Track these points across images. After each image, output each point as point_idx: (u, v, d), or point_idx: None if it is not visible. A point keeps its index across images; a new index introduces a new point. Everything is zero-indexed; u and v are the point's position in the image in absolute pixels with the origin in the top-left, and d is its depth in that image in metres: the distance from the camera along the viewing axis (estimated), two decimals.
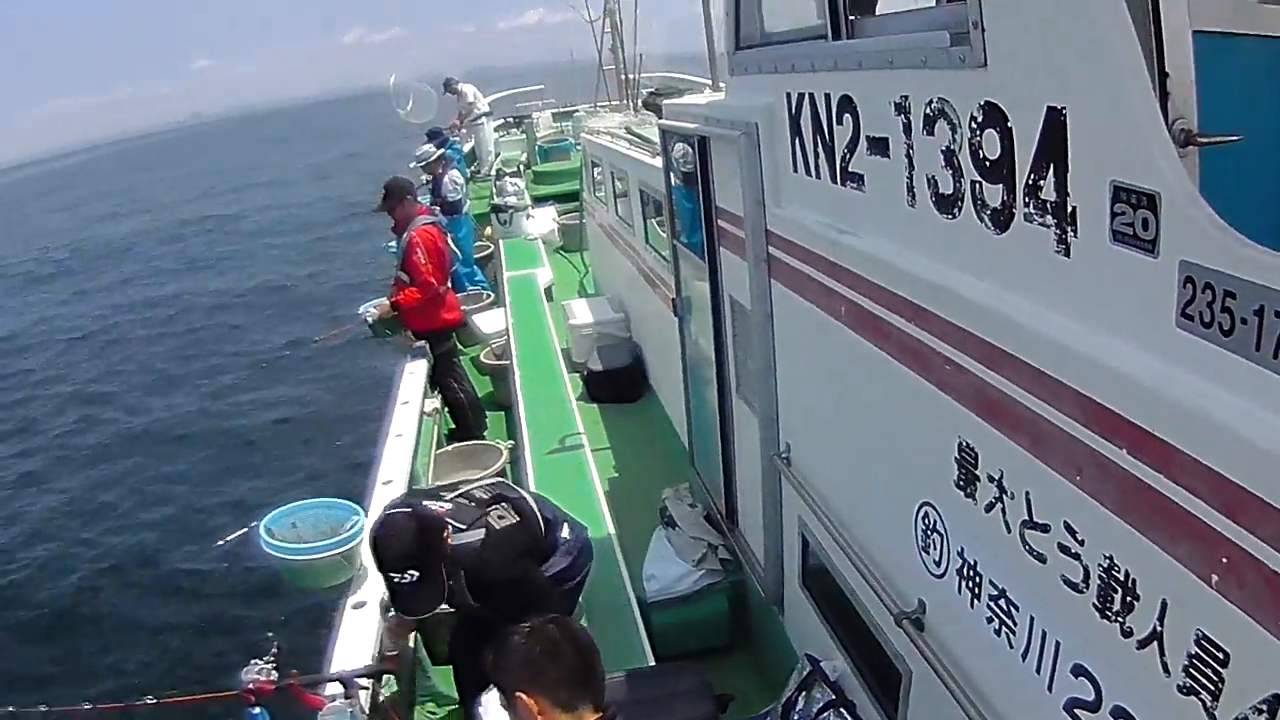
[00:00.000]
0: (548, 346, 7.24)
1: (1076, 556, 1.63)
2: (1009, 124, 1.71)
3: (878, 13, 2.62)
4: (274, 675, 3.09)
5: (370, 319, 7.02)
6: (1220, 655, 1.28)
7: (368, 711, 3.25)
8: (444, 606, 3.31)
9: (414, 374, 6.58)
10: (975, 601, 2.08)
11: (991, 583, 2.00)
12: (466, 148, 15.92)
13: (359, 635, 3.58)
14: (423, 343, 7.08)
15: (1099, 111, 1.47)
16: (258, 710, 3.10)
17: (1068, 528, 1.65)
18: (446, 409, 7.12)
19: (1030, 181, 1.66)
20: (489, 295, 9.85)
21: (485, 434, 7.23)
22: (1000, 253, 1.82)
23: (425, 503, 3.32)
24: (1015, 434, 1.79)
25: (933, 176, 2.04)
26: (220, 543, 4.52)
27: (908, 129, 2.12)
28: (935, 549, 2.26)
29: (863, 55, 2.34)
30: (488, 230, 12.28)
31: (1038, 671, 1.81)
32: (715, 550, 4.50)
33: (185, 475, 10.93)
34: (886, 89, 2.18)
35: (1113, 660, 1.56)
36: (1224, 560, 1.25)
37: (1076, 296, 1.59)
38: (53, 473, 11.79)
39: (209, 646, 7.31)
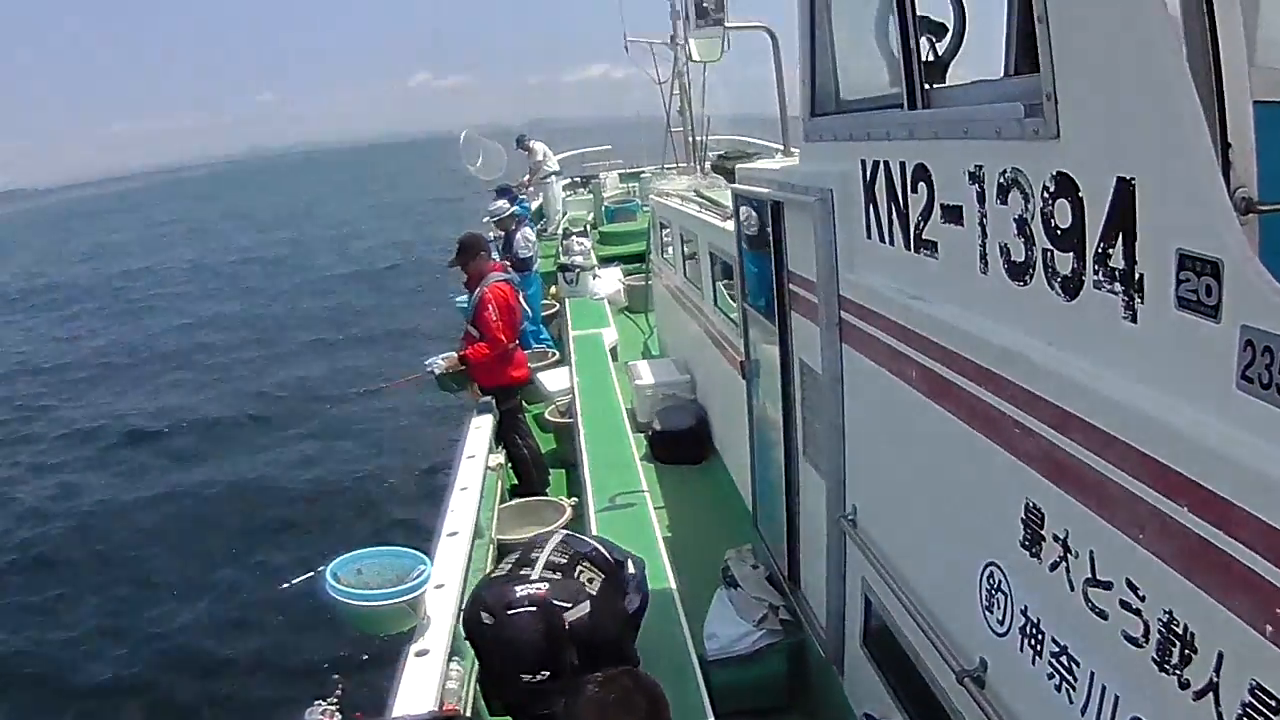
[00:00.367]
0: (613, 406, 7.25)
1: (1137, 612, 1.66)
2: (1080, 194, 1.77)
3: (949, 81, 2.67)
4: (338, 716, 3.13)
5: (438, 371, 7.13)
6: (1273, 702, 1.33)
7: None
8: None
9: (480, 429, 6.64)
10: (1037, 659, 2.10)
11: (1054, 640, 2.03)
12: (534, 205, 15.98)
13: (421, 682, 3.60)
14: (489, 398, 7.16)
15: (1166, 181, 1.53)
16: None
17: (1129, 584, 1.68)
18: (510, 464, 7.15)
19: (1100, 250, 1.71)
20: (554, 354, 9.91)
21: (548, 490, 7.26)
22: (1069, 319, 1.87)
23: (520, 589, 3.13)
24: (1081, 494, 1.82)
25: (1005, 245, 2.10)
26: (286, 585, 4.62)
27: (981, 198, 2.18)
28: (999, 608, 2.29)
29: (938, 125, 2.41)
30: (553, 289, 12.39)
31: None
32: (776, 611, 4.51)
33: (255, 517, 11.17)
34: (961, 158, 2.24)
35: (1170, 712, 1.59)
36: (1278, 611, 1.30)
37: (1142, 360, 1.64)
38: (131, 505, 12.09)
39: (273, 685, 7.44)
